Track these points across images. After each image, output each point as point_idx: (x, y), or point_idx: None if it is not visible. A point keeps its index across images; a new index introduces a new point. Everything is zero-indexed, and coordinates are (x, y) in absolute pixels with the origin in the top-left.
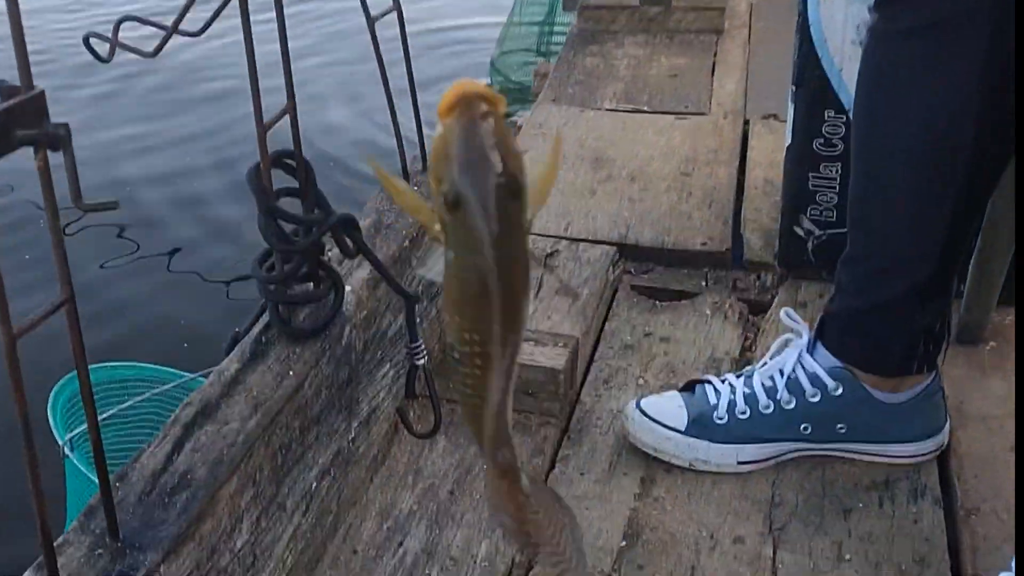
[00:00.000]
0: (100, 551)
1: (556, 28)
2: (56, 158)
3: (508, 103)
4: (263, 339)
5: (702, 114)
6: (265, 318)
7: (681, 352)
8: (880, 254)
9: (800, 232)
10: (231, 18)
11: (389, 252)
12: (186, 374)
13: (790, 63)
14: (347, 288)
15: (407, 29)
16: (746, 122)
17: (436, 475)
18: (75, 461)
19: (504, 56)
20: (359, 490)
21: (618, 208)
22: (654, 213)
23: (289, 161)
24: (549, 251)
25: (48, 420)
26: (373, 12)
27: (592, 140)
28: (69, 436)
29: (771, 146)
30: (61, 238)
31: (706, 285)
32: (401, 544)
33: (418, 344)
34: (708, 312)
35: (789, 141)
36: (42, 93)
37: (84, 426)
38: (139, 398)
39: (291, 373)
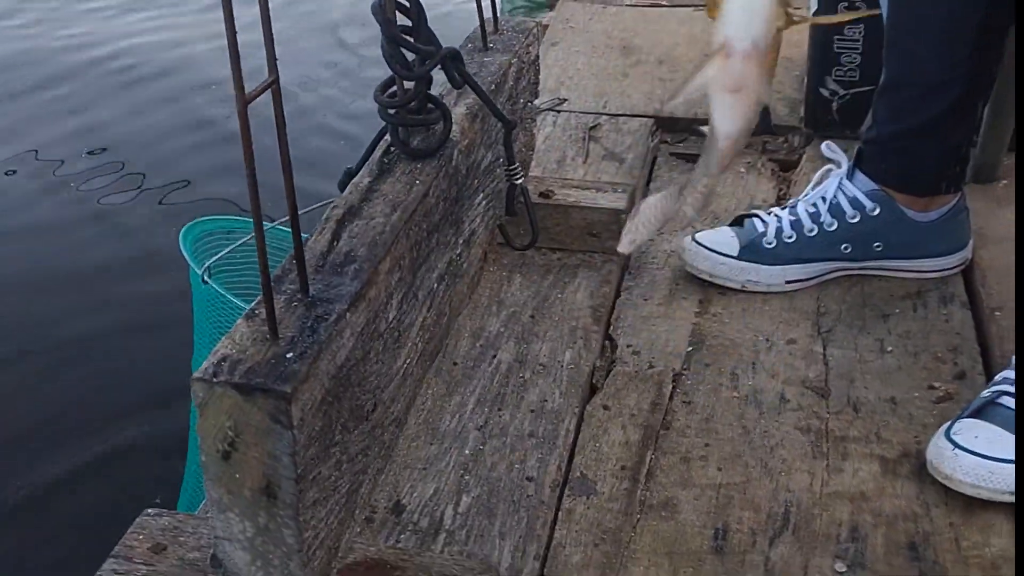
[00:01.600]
0: (295, 303)
1: None
2: None
3: (523, 10)
4: (386, 160)
5: None
6: (382, 146)
7: (723, 203)
8: (914, 80)
9: (825, 93)
10: None
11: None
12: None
13: None
14: (452, 118)
15: None
16: None
17: (517, 304)
18: (215, 287)
19: None
20: (463, 302)
21: (651, 87)
22: None
23: (404, 1)
24: (592, 124)
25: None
26: None
27: (618, 32)
28: (207, 266)
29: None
30: (270, 26)
31: None
32: (495, 356)
33: (516, 166)
34: (743, 170)
35: (815, 7)
36: None
37: (217, 256)
38: (243, 240)
39: (417, 183)
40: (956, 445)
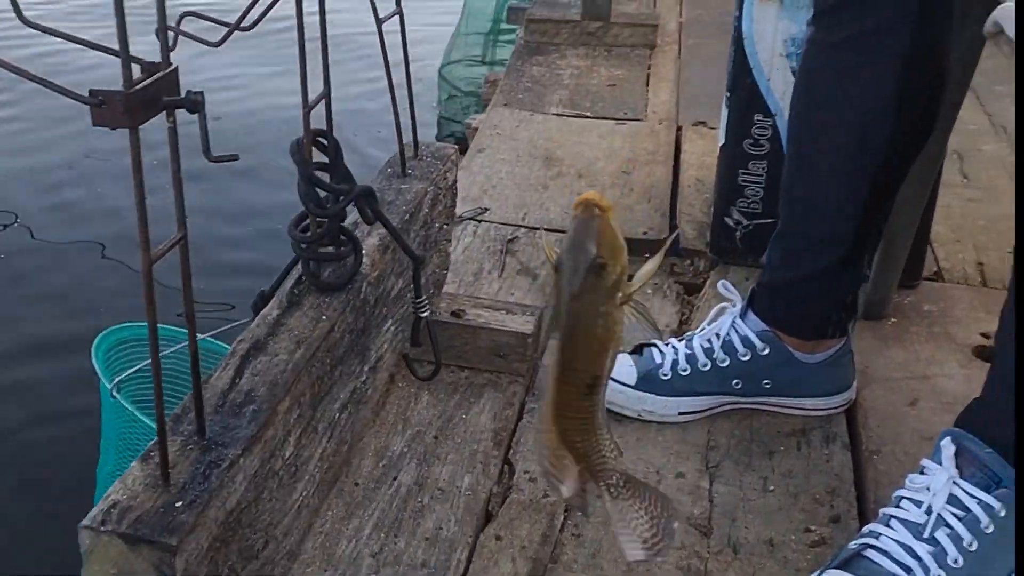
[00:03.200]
0: (191, 446)
1: (500, 39)
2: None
3: (456, 108)
4: (296, 291)
5: (639, 120)
6: (293, 275)
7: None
8: (805, 232)
9: (730, 222)
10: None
11: (392, 222)
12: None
13: (716, 76)
14: (363, 251)
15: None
16: (679, 128)
17: (422, 423)
18: (123, 401)
19: (450, 66)
20: (366, 427)
21: (568, 200)
22: None
23: (322, 140)
24: (509, 237)
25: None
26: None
27: (542, 141)
28: (116, 379)
29: (701, 150)
30: (181, 187)
31: None
32: (395, 478)
33: (423, 299)
34: (649, 292)
35: (723, 141)
36: (176, 68)
37: (130, 371)
38: (171, 350)
39: (324, 318)
40: None
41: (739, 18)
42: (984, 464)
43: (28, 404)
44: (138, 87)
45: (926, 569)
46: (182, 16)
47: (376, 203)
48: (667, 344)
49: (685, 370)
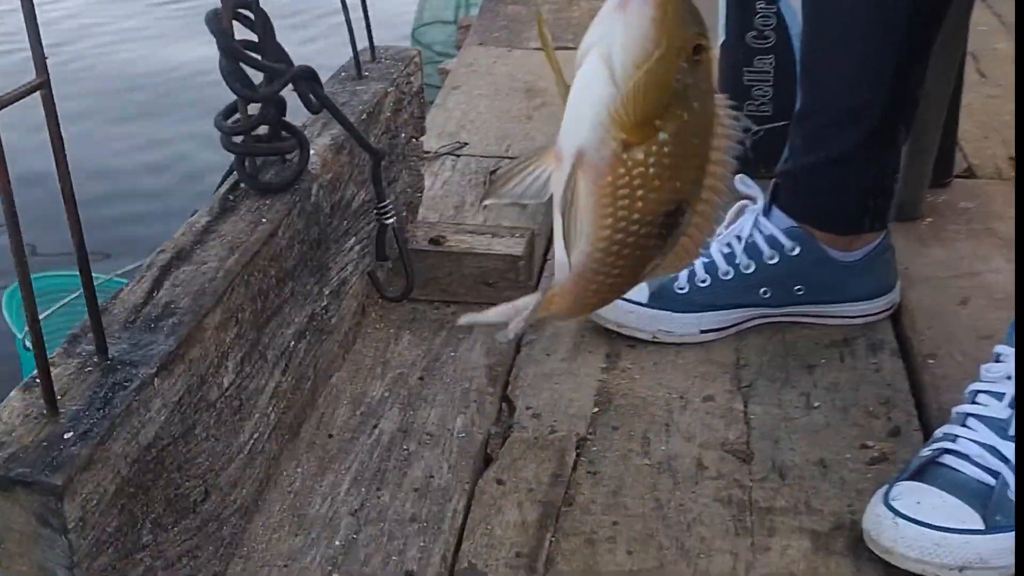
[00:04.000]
0: (89, 368)
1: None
2: None
3: (432, 71)
4: (231, 196)
5: None
6: (232, 178)
7: None
8: (830, 106)
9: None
10: None
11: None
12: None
13: None
14: (311, 150)
15: None
16: None
17: (404, 365)
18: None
19: (422, 28)
20: (333, 363)
21: (554, 129)
22: None
23: (246, 12)
24: (493, 168)
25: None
26: None
27: (523, 74)
28: (27, 330)
29: None
30: (36, 22)
31: None
32: (376, 426)
33: (387, 204)
34: None
35: (723, 38)
36: None
37: (43, 315)
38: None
39: (264, 220)
40: (896, 513)
41: None
42: None
43: None
44: None
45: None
46: None
47: (320, 86)
48: None
49: (704, 281)
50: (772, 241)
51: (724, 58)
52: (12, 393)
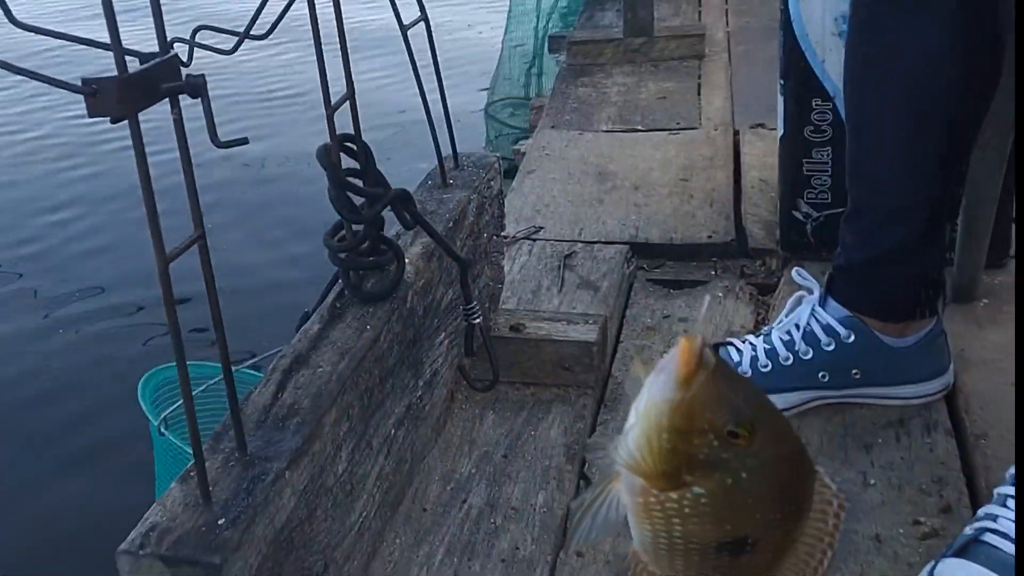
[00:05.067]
0: (232, 463)
1: (544, 71)
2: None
3: (506, 145)
4: (338, 304)
5: (694, 128)
6: (335, 289)
7: (699, 329)
8: (878, 207)
9: (799, 215)
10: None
11: (437, 229)
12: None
13: (770, 79)
14: (405, 259)
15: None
16: (736, 132)
17: (489, 443)
18: (171, 437)
19: (495, 104)
20: (427, 446)
21: (625, 213)
22: (659, 215)
23: (350, 144)
24: (567, 252)
25: (140, 405)
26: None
27: (593, 158)
28: (164, 415)
29: (761, 151)
30: (194, 182)
31: (715, 273)
32: (465, 501)
33: (473, 305)
34: (721, 295)
35: (781, 132)
36: (176, 55)
37: (175, 406)
38: (206, 384)
39: (368, 327)
40: None
41: (785, 0)
42: None
43: (83, 441)
44: (133, 72)
45: None
46: (197, 29)
47: (413, 206)
48: (743, 341)
49: (766, 366)
50: (828, 329)
51: (783, 149)
52: (172, 484)
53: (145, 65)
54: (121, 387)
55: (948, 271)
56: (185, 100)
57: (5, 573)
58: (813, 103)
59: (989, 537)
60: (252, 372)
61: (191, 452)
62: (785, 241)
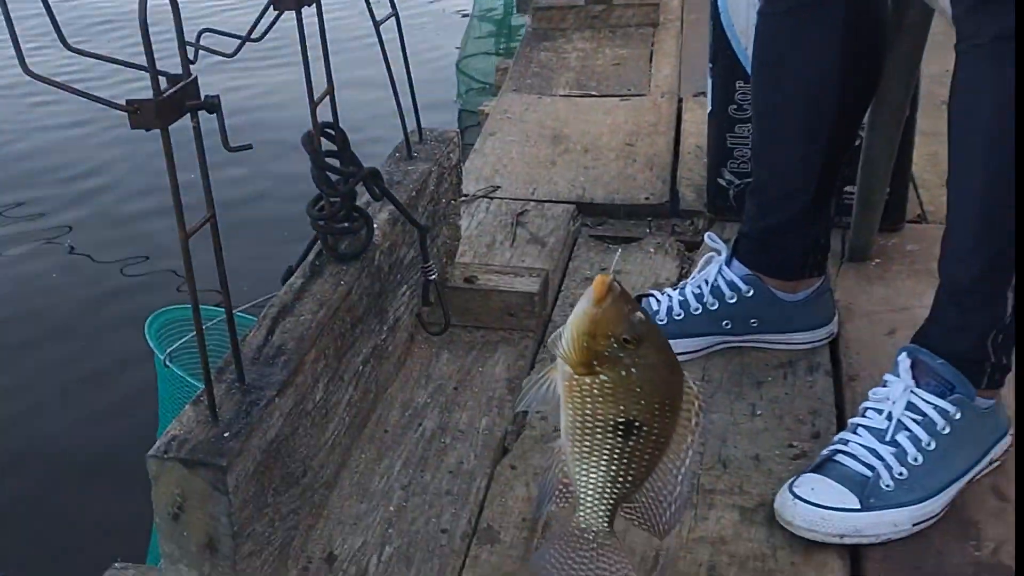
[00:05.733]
0: (234, 391)
1: (513, 30)
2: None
3: (475, 100)
4: (317, 263)
5: (642, 95)
6: (315, 249)
7: (631, 280)
8: (774, 186)
9: (723, 182)
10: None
11: (401, 199)
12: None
13: None
14: (374, 225)
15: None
16: (680, 100)
17: (443, 377)
18: (175, 369)
19: (466, 60)
20: (389, 379)
21: (575, 174)
22: (605, 177)
23: (330, 131)
24: (520, 211)
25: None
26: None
27: (550, 121)
28: (168, 351)
29: (700, 119)
30: (208, 175)
31: (650, 231)
32: (420, 424)
33: (430, 264)
34: (652, 251)
35: (710, 108)
36: (195, 78)
37: (178, 343)
38: (212, 322)
39: (342, 282)
40: (796, 496)
41: None
42: (938, 373)
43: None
44: (165, 95)
45: (889, 468)
46: (201, 32)
47: (382, 182)
48: (663, 293)
49: (680, 315)
50: (732, 285)
51: (711, 124)
52: (187, 407)
53: (174, 88)
54: (130, 324)
55: (845, 234)
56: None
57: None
58: (736, 85)
59: (840, 457)
60: (245, 316)
61: (193, 383)
62: (711, 204)
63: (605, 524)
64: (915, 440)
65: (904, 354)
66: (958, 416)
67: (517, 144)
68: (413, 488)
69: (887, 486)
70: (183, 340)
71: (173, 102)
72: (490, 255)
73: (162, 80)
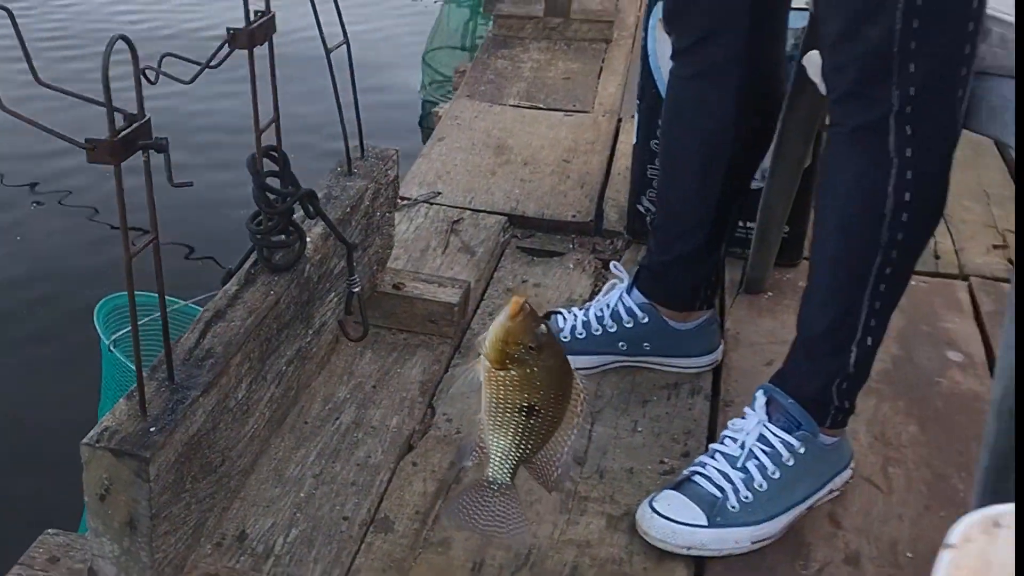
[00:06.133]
0: (163, 389)
1: (479, 26)
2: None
3: (439, 93)
4: (252, 271)
5: (586, 112)
6: (252, 258)
7: (547, 294)
8: (672, 225)
9: (641, 209)
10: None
11: (335, 215)
12: (180, 300)
13: None
14: (308, 239)
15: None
16: (619, 120)
17: (364, 375)
18: (117, 355)
19: (432, 52)
20: (312, 377)
21: (511, 186)
22: (539, 191)
23: (274, 153)
24: (455, 219)
25: (95, 324)
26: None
27: (497, 131)
28: (113, 337)
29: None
30: (153, 203)
31: (572, 248)
32: (338, 419)
33: (354, 278)
34: (571, 266)
35: (635, 140)
36: (149, 119)
37: (123, 331)
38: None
39: (272, 292)
40: (654, 510)
41: (645, 36)
42: (787, 411)
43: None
44: (120, 136)
45: (736, 491)
46: (163, 56)
47: (317, 202)
48: (570, 311)
49: (582, 334)
50: (630, 312)
51: (635, 155)
52: (120, 400)
53: (128, 129)
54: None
55: (745, 266)
56: None
57: None
58: (659, 122)
59: (696, 477)
60: (195, 307)
61: (133, 368)
62: (630, 228)
63: (508, 479)
64: (762, 468)
65: (761, 391)
66: (802, 450)
67: (462, 151)
68: (323, 477)
69: (733, 507)
70: (128, 330)
71: (126, 142)
72: (422, 260)
73: (119, 117)
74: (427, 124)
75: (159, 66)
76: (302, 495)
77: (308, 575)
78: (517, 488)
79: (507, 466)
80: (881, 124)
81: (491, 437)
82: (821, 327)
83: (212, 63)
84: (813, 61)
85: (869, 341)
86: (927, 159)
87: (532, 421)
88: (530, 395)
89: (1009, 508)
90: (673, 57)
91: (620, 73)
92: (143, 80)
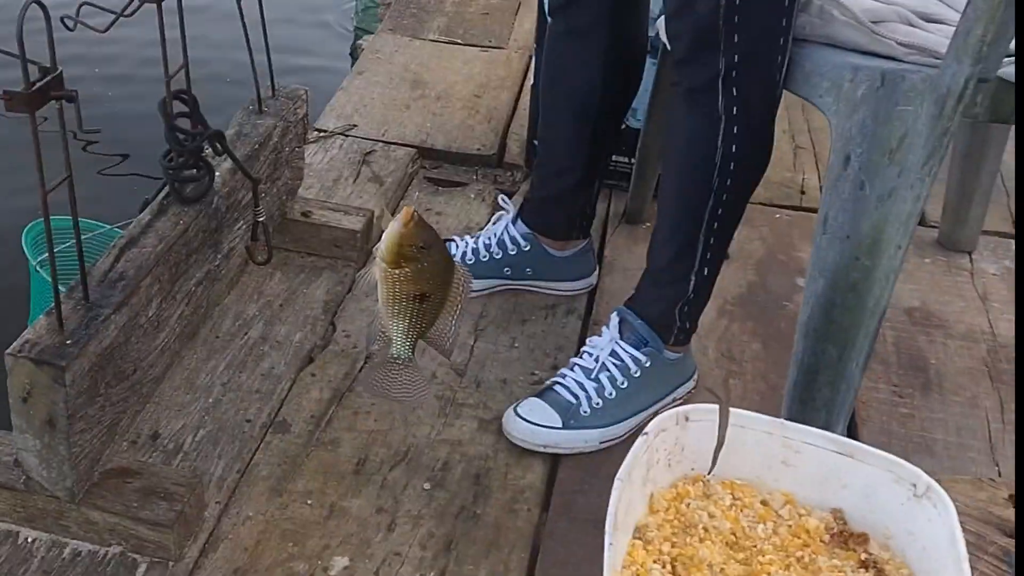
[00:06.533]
0: (79, 307)
1: None
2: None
3: (371, 20)
4: (164, 202)
5: (500, 48)
6: (165, 191)
7: (448, 222)
8: (551, 163)
9: (536, 145)
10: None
11: (245, 151)
12: (105, 225)
13: None
14: (216, 174)
15: None
16: (531, 56)
17: (273, 295)
18: (43, 274)
19: None
20: (222, 297)
21: (423, 120)
22: (449, 125)
23: (184, 96)
24: (368, 150)
25: (23, 250)
26: None
27: (414, 66)
28: (39, 259)
29: None
30: (67, 145)
31: (475, 179)
32: (247, 333)
33: (259, 208)
34: (472, 196)
35: (532, 82)
36: (61, 72)
37: (43, 256)
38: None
39: (182, 222)
40: (517, 414)
41: None
42: (636, 330)
43: None
44: (34, 88)
45: (589, 398)
46: (80, 6)
47: (224, 141)
48: (462, 239)
49: (471, 260)
50: (514, 240)
51: (532, 94)
52: (40, 316)
53: (42, 82)
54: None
55: (624, 198)
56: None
57: None
58: None
59: (556, 387)
60: (117, 230)
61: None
62: (527, 160)
63: (409, 353)
64: (612, 379)
65: (615, 313)
66: (648, 364)
67: (380, 86)
68: (230, 385)
69: (585, 412)
70: (57, 249)
71: (41, 93)
72: (334, 189)
73: (34, 69)
74: (357, 54)
75: (77, 15)
76: (210, 401)
77: (212, 468)
78: (417, 361)
79: (407, 343)
80: (711, 86)
81: (391, 323)
82: (664, 259)
83: (127, 12)
84: (662, 26)
85: (706, 271)
86: (751, 116)
87: (424, 305)
88: (421, 285)
89: (701, 407)
90: (550, 13)
91: (536, 8)
92: (64, 28)
